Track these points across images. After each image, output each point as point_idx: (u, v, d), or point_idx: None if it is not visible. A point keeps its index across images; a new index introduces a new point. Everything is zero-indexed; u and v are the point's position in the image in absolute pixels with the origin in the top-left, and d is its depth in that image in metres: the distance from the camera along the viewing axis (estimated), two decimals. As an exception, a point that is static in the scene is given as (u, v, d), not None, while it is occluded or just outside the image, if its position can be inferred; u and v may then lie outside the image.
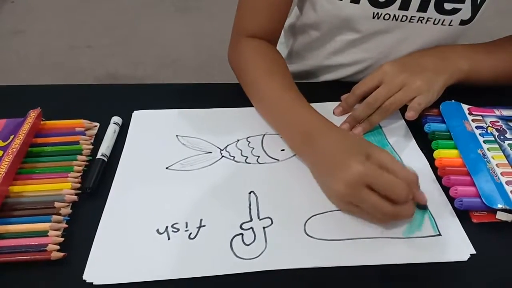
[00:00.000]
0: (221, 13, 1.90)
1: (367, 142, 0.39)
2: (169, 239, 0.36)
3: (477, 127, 0.45)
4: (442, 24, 0.48)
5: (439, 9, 0.47)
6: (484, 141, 0.44)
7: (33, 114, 0.44)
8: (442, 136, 0.45)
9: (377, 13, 0.48)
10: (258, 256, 0.34)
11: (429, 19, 0.48)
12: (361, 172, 0.35)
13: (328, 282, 0.33)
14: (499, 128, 0.46)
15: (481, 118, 0.47)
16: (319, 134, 0.40)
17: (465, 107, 0.48)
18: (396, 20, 0.48)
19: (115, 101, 0.51)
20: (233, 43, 0.54)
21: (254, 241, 0.35)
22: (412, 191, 0.36)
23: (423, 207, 0.38)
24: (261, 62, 0.49)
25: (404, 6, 0.47)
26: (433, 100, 0.45)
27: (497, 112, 0.48)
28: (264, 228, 0.37)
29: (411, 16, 0.48)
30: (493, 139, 0.44)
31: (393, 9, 0.47)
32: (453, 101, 0.49)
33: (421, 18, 0.48)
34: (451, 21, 0.48)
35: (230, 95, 0.52)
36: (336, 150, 0.38)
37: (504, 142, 0.44)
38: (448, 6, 0.47)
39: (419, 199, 0.37)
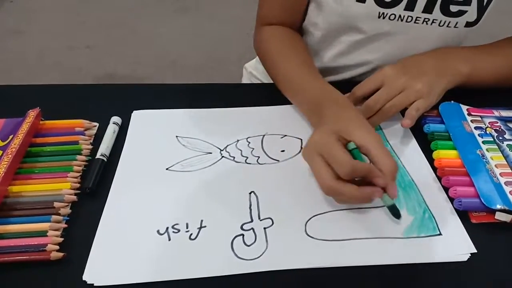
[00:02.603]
0: (220, 13, 1.90)
1: (355, 121, 0.39)
2: (169, 240, 0.36)
3: (476, 128, 0.46)
4: (447, 26, 0.48)
5: (445, 11, 0.47)
6: (483, 142, 0.44)
7: (32, 114, 0.44)
8: (441, 136, 0.45)
9: (383, 13, 0.48)
10: (259, 257, 0.34)
11: (434, 21, 0.48)
12: (315, 140, 0.37)
13: (329, 282, 0.33)
14: (498, 128, 0.46)
15: (480, 118, 0.47)
16: (325, 105, 0.42)
17: (464, 108, 0.48)
18: (402, 20, 0.48)
19: (115, 101, 0.51)
20: (256, 32, 0.57)
21: (255, 241, 0.35)
22: (385, 178, 0.35)
23: (390, 207, 0.36)
24: (275, 44, 0.52)
25: (410, 6, 0.47)
26: (432, 103, 0.46)
27: (496, 113, 0.48)
28: (265, 228, 0.37)
29: (416, 17, 0.48)
30: (492, 139, 0.44)
31: (399, 10, 0.47)
32: (452, 102, 0.49)
33: (426, 20, 0.48)
34: (457, 23, 0.48)
35: (230, 95, 0.52)
36: (330, 121, 0.39)
37: (503, 143, 0.44)
38: (454, 8, 0.47)
39: (388, 190, 0.35)
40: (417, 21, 0.48)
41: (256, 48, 0.57)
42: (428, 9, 0.47)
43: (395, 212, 0.36)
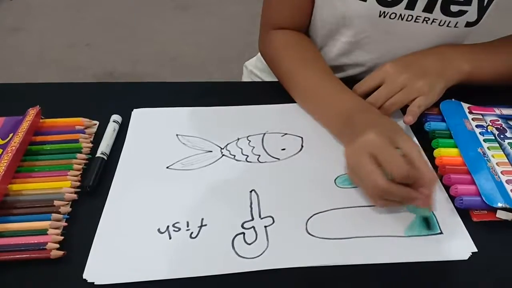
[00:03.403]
0: (221, 11, 1.90)
1: (399, 130, 0.39)
2: (170, 238, 0.36)
3: (477, 126, 0.46)
4: (447, 25, 0.48)
5: (445, 10, 0.47)
6: (484, 140, 0.44)
7: (32, 112, 0.44)
8: (442, 134, 0.45)
9: (384, 12, 0.47)
10: (259, 255, 0.34)
11: (434, 20, 0.47)
12: (370, 139, 0.36)
13: (330, 280, 0.33)
14: (499, 127, 0.46)
15: (481, 117, 0.47)
16: (358, 114, 0.42)
17: (465, 106, 0.48)
18: (402, 19, 0.48)
19: (115, 99, 0.51)
20: (262, 36, 0.55)
21: (255, 240, 0.35)
22: (428, 188, 0.35)
23: (425, 218, 0.37)
24: (293, 52, 0.51)
25: (410, 5, 0.47)
26: (433, 101, 0.46)
27: (497, 111, 0.48)
28: (265, 227, 0.36)
29: (417, 16, 0.47)
30: (493, 138, 0.44)
31: (399, 9, 0.47)
32: (453, 100, 0.49)
33: (426, 19, 0.47)
34: (457, 23, 0.47)
35: (230, 94, 0.52)
36: (368, 126, 0.38)
37: (504, 141, 0.44)
38: (454, 8, 0.46)
39: (425, 199, 0.36)
40: (417, 20, 0.48)
41: (264, 53, 0.56)
42: (428, 8, 0.47)
43: (428, 223, 0.37)
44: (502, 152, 0.43)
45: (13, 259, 0.33)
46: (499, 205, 0.37)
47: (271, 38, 0.53)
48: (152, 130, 0.47)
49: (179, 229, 0.36)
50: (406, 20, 0.48)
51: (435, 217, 0.38)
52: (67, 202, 0.38)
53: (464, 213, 0.38)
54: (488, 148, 0.43)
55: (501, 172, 0.40)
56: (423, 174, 0.35)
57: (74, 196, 0.38)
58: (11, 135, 0.42)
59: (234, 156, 0.43)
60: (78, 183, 0.39)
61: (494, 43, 0.52)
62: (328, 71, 0.49)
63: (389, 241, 0.36)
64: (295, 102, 0.50)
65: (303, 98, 0.49)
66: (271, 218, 0.37)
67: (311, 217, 0.37)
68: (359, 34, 0.51)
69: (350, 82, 0.48)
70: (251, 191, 0.40)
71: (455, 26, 0.48)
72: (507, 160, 0.42)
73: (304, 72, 0.48)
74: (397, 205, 0.37)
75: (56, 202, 0.37)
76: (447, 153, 0.43)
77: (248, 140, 0.45)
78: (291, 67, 0.49)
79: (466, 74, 0.47)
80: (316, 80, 0.47)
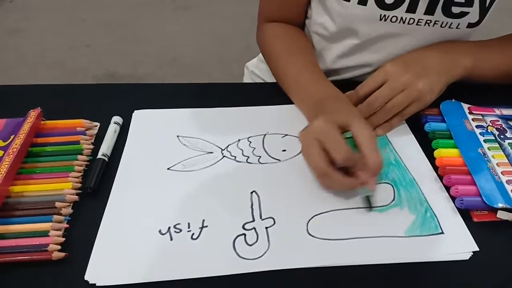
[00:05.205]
0: (221, 11, 1.90)
1: (355, 115, 0.41)
2: (171, 239, 0.36)
3: (477, 126, 0.46)
4: (449, 27, 0.48)
5: (447, 12, 0.47)
6: (484, 140, 0.44)
7: (33, 114, 0.44)
8: (442, 135, 0.45)
9: (384, 15, 0.47)
10: (261, 256, 0.34)
11: (436, 22, 0.47)
12: (316, 126, 0.39)
13: (331, 281, 0.33)
14: (499, 127, 0.46)
15: (481, 117, 0.47)
16: (326, 101, 0.44)
17: (465, 106, 0.48)
18: (404, 23, 0.48)
19: (116, 101, 0.51)
20: (257, 28, 0.58)
21: (256, 241, 0.35)
22: (369, 173, 0.37)
23: (367, 197, 0.39)
24: (280, 43, 0.54)
25: (412, 8, 0.47)
26: (429, 102, 0.45)
27: (497, 111, 0.48)
28: (266, 228, 0.37)
29: (419, 19, 0.47)
30: (493, 138, 0.44)
31: (400, 12, 0.47)
32: (453, 100, 0.49)
33: (428, 21, 0.47)
34: (459, 24, 0.47)
35: (231, 95, 0.52)
36: (330, 112, 0.41)
37: (504, 141, 0.44)
38: (455, 9, 0.46)
39: (369, 184, 0.38)
40: (419, 23, 0.48)
41: (259, 44, 0.58)
42: (430, 11, 0.47)
43: (369, 203, 0.39)
44: (502, 153, 0.43)
45: (15, 260, 0.34)
46: (500, 205, 0.37)
47: (264, 30, 0.56)
48: (153, 131, 0.47)
49: (180, 230, 0.36)
50: (408, 23, 0.48)
51: (436, 216, 0.38)
52: (69, 204, 0.38)
53: (464, 213, 0.38)
54: (488, 148, 0.43)
55: (502, 173, 0.40)
56: (367, 159, 0.37)
57: (76, 197, 0.38)
58: (12, 136, 0.42)
59: (235, 157, 0.44)
60: (79, 185, 0.39)
61: (496, 40, 0.52)
62: (310, 61, 0.51)
63: (390, 242, 0.36)
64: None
65: (286, 86, 0.51)
66: (272, 219, 0.37)
67: (312, 218, 0.37)
68: (361, 37, 0.51)
69: (350, 84, 0.48)
70: (252, 192, 0.40)
71: (457, 27, 0.48)
72: (507, 161, 0.42)
73: (287, 61, 0.51)
74: (339, 188, 0.39)
75: (57, 204, 0.37)
76: (447, 154, 0.43)
77: (249, 141, 0.45)
78: (277, 57, 0.52)
79: (468, 69, 0.47)
80: (297, 69, 0.49)
